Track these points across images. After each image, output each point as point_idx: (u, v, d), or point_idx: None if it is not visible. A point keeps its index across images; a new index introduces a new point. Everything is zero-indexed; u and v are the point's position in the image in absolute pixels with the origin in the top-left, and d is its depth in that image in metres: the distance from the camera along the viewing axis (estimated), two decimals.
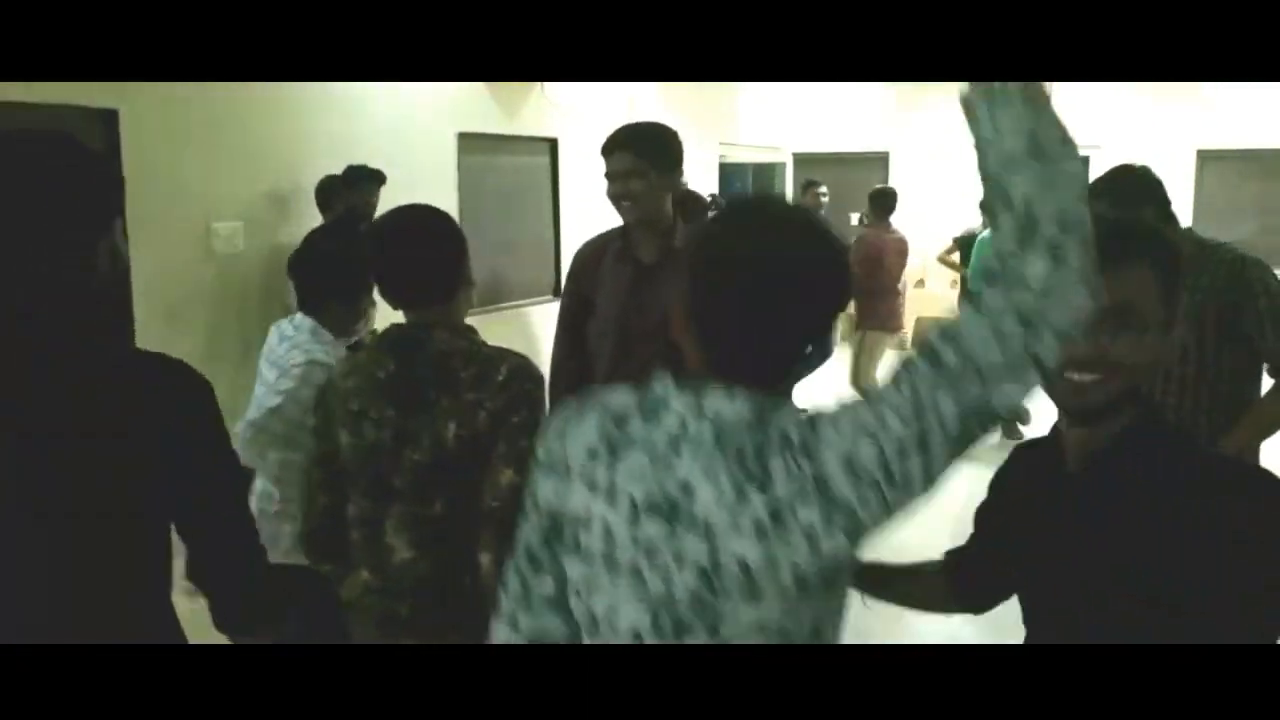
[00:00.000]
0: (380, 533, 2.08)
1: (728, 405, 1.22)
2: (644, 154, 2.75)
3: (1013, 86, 1.11)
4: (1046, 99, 1.13)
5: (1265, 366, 2.70)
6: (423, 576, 2.06)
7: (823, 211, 7.85)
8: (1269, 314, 2.59)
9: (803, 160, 11.70)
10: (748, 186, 11.29)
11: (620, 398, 1.33)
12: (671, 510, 1.22)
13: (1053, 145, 1.10)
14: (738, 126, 10.63)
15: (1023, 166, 1.09)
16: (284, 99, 5.72)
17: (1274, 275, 2.66)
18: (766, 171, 11.61)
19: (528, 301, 7.64)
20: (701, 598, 1.21)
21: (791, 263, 1.22)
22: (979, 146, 1.15)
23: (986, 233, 6.68)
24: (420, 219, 2.11)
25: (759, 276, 1.22)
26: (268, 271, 5.56)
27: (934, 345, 1.14)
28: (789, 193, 11.70)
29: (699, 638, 1.22)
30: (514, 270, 7.57)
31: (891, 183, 11.52)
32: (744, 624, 1.20)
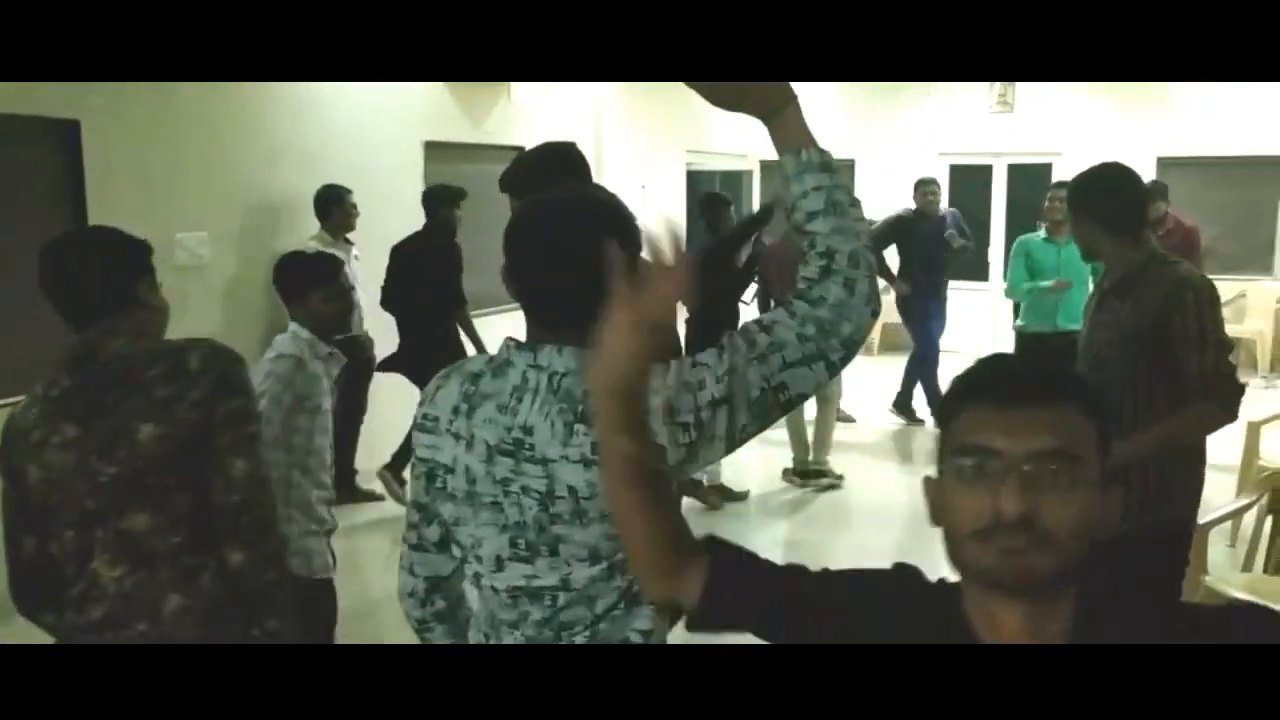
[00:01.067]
0: (89, 560, 1.96)
1: (558, 359, 1.47)
2: (516, 193, 2.61)
3: (815, 157, 1.49)
4: (837, 167, 1.51)
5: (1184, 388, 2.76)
6: (128, 596, 1.94)
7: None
8: (1196, 340, 2.69)
9: (770, 168, 11.75)
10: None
11: (476, 362, 1.59)
12: (516, 448, 1.46)
13: (843, 203, 1.49)
14: (705, 134, 10.65)
15: (822, 218, 1.47)
16: (248, 108, 5.67)
17: (1213, 302, 2.74)
18: (734, 179, 11.64)
19: (493, 310, 7.61)
20: (542, 523, 1.46)
21: (578, 238, 1.46)
22: (790, 202, 1.51)
23: (1030, 237, 6.53)
24: (81, 239, 2.11)
25: (552, 252, 1.48)
26: (234, 282, 5.52)
27: (752, 330, 1.48)
28: (756, 201, 11.74)
29: (544, 559, 1.48)
30: (481, 279, 7.54)
31: (857, 190, 11.55)
32: (576, 545, 1.46)
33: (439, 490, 1.58)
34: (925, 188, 7.95)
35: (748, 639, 1.24)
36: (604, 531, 1.45)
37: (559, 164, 2.61)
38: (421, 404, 1.61)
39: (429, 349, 5.70)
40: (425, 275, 5.94)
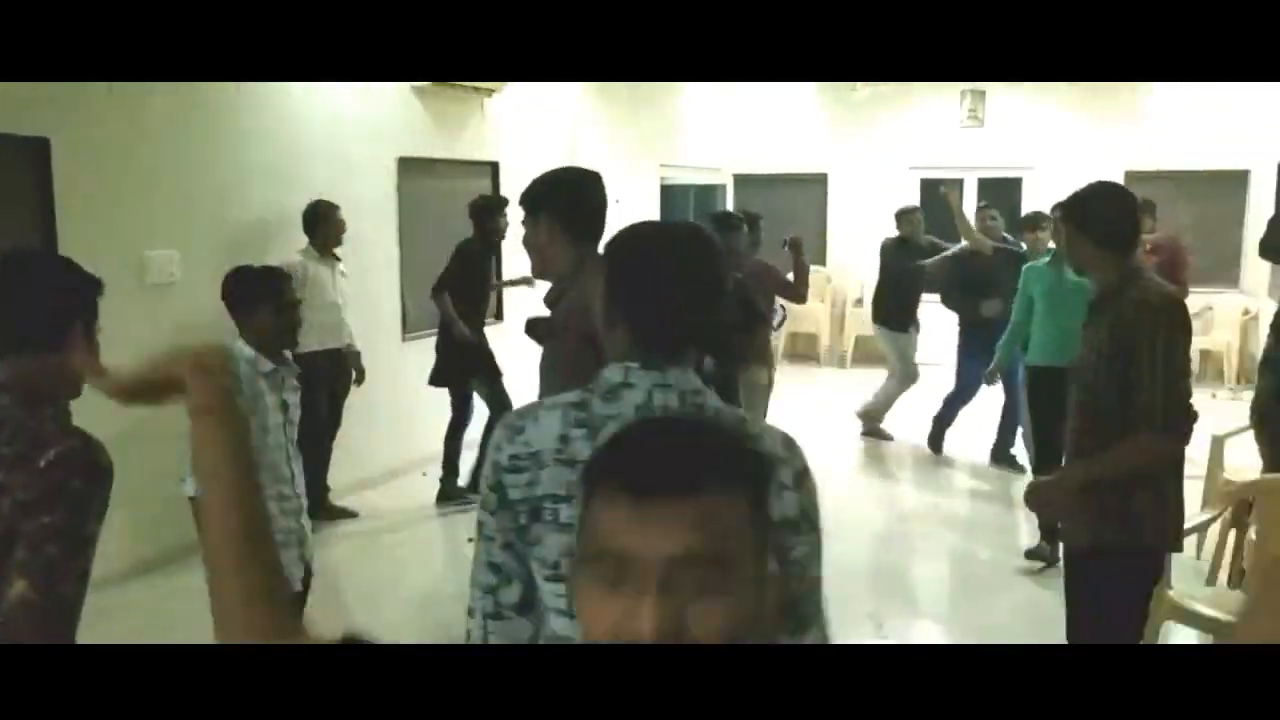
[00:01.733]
0: None
1: (686, 379, 1.52)
2: (534, 208, 2.64)
3: None
4: None
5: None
6: None
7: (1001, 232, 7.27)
8: (1149, 368, 2.73)
9: (743, 181, 11.80)
10: (689, 208, 11.33)
11: (566, 395, 1.55)
12: None
13: None
14: (679, 148, 10.69)
15: None
16: (220, 125, 5.65)
17: (1174, 327, 2.79)
18: (708, 193, 11.67)
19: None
20: None
21: (700, 264, 1.56)
22: None
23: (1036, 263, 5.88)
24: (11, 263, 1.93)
25: (679, 278, 1.54)
26: (207, 301, 5.48)
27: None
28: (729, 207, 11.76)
29: None
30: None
31: (830, 203, 11.65)
32: None
33: (548, 524, 1.48)
34: (986, 212, 7.48)
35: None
36: None
37: (588, 186, 2.68)
38: (500, 448, 1.51)
39: (465, 346, 6.34)
40: (468, 277, 6.42)
